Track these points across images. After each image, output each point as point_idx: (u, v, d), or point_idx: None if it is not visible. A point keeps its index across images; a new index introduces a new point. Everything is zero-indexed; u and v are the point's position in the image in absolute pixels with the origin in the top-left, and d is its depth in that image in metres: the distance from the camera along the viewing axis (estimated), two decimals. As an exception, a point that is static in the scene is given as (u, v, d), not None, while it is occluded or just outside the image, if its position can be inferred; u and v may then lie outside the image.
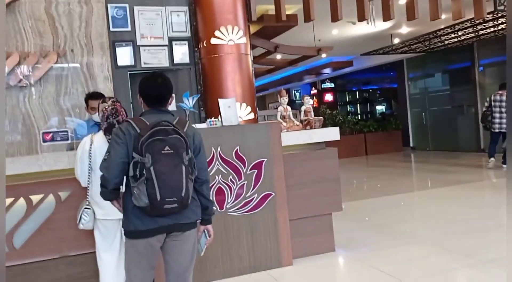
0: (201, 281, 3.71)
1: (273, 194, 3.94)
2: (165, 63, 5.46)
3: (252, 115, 5.37)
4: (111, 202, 2.46)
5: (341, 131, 4.82)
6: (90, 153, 2.92)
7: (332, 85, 18.83)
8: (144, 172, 2.18)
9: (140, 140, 2.20)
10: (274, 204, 3.96)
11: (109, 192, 2.34)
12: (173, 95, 2.52)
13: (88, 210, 2.96)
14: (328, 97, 18.81)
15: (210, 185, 3.72)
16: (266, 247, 3.95)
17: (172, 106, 4.27)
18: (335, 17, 5.76)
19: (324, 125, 4.74)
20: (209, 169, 3.70)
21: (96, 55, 5.12)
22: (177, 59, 5.51)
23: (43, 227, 3.43)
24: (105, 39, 5.16)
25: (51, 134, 3.59)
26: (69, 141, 3.70)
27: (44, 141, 3.58)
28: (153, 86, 2.43)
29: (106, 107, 2.94)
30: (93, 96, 3.86)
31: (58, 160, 3.42)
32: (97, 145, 2.92)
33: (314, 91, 19.13)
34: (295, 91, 20.94)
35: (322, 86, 18.82)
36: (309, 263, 4.09)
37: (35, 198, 3.41)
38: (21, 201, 3.38)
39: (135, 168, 2.21)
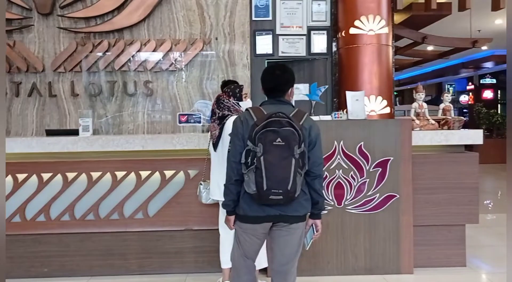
0: (312, 274, 3.69)
1: (397, 196, 3.70)
2: (302, 52, 5.47)
3: (387, 110, 5.09)
4: (227, 214, 2.49)
5: (499, 133, 4.26)
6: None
7: (494, 81, 16.81)
8: (255, 161, 2.23)
9: (254, 129, 2.26)
10: (398, 207, 3.71)
11: (231, 186, 2.41)
12: (294, 87, 2.51)
13: (201, 185, 3.19)
14: (487, 94, 16.87)
15: (330, 179, 3.69)
16: (384, 250, 3.74)
17: (301, 97, 4.30)
18: (496, 6, 5.11)
19: (476, 126, 4.26)
20: (329, 163, 3.66)
21: (237, 43, 5.37)
22: (315, 49, 5.48)
23: (173, 201, 3.77)
24: (246, 28, 5.38)
25: (186, 116, 3.89)
26: (201, 124, 3.97)
27: (180, 122, 3.91)
28: (271, 77, 2.45)
29: (235, 93, 3.09)
30: (227, 84, 4.06)
31: (189, 140, 3.70)
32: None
33: (470, 86, 17.35)
34: (449, 86, 19.23)
35: (481, 82, 16.93)
36: (433, 275, 3.76)
37: (168, 173, 3.76)
38: (157, 174, 3.76)
39: (248, 155, 2.28)
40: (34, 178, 3.77)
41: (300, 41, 5.48)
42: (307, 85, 5.20)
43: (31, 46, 5.27)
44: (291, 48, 5.48)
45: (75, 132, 3.96)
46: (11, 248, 3.76)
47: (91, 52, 5.25)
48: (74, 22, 5.28)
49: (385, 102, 5.06)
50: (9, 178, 3.75)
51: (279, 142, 2.21)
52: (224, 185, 2.44)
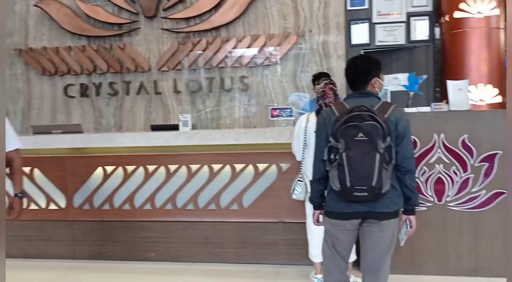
0: (409, 272, 3.52)
1: (507, 193, 3.37)
2: (401, 40, 5.21)
3: (499, 99, 4.65)
4: (314, 209, 2.48)
5: None
6: (306, 131, 3.09)
7: None
8: (337, 157, 2.18)
9: (336, 125, 2.21)
10: (508, 205, 3.38)
11: (314, 183, 2.41)
12: (381, 77, 2.39)
13: (301, 182, 3.17)
14: None
15: (429, 174, 3.48)
16: (492, 251, 3.44)
17: (398, 87, 4.10)
18: None
19: None
20: (428, 157, 3.45)
21: (331, 34, 5.28)
22: (415, 36, 5.18)
23: (266, 193, 3.85)
24: (341, 19, 5.26)
25: (278, 110, 3.93)
26: (293, 118, 3.98)
27: (272, 116, 3.96)
28: (352, 69, 2.37)
29: (318, 89, 3.03)
30: (319, 77, 4.02)
31: (281, 134, 3.74)
32: (311, 124, 3.06)
33: None
34: None
35: None
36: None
37: (261, 166, 3.85)
38: (250, 167, 3.87)
39: (330, 151, 2.24)
40: (141, 169, 4.09)
41: (398, 29, 5.22)
42: (406, 75, 4.94)
43: (139, 48, 5.70)
44: (389, 36, 5.25)
45: (176, 127, 4.22)
46: (122, 233, 4.13)
47: (191, 51, 5.54)
48: (175, 23, 5.61)
49: (496, 90, 4.63)
50: (120, 170, 4.12)
51: (361, 136, 2.13)
52: (310, 181, 2.44)
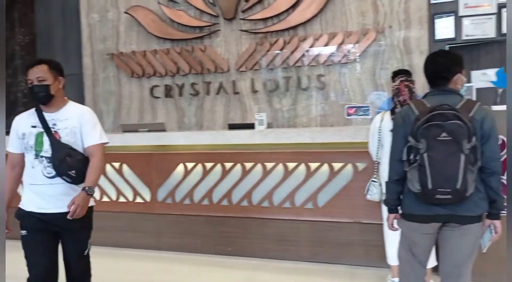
0: (494, 281, 3.30)
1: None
2: (491, 34, 4.87)
3: None
4: (388, 211, 2.41)
5: None
6: (380, 130, 3.02)
7: None
8: (418, 158, 2.11)
9: (416, 124, 2.13)
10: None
11: (391, 184, 2.35)
12: (460, 75, 2.26)
13: (375, 182, 3.10)
14: None
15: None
16: None
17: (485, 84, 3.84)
18: None
19: None
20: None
21: (413, 29, 5.08)
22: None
23: (341, 193, 3.81)
24: (424, 13, 5.04)
25: (354, 109, 3.87)
26: (370, 116, 3.90)
27: (348, 115, 3.91)
28: (432, 65, 2.27)
29: (393, 86, 2.94)
30: (398, 74, 3.89)
31: (357, 133, 3.68)
32: (385, 123, 2.99)
33: None
34: None
35: None
36: None
37: (336, 165, 3.82)
38: (325, 166, 3.85)
39: (409, 152, 2.17)
40: (218, 166, 4.25)
41: (488, 21, 4.88)
42: (495, 70, 4.62)
43: (218, 49, 5.90)
44: (477, 29, 4.92)
45: (252, 126, 4.32)
46: (201, 227, 4.32)
47: (268, 51, 5.62)
48: (253, 24, 5.73)
49: None
50: (199, 166, 4.31)
51: (444, 136, 2.05)
52: (386, 182, 2.37)
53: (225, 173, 4.22)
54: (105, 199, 4.65)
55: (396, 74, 3.44)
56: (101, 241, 4.52)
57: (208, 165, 4.29)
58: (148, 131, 4.62)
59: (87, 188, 2.43)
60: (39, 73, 2.45)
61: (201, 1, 5.88)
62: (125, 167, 4.60)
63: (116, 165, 4.58)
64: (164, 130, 4.87)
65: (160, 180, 4.46)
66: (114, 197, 4.63)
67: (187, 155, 4.40)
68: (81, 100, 6.63)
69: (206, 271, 3.95)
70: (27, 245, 2.49)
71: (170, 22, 6.07)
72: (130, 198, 4.58)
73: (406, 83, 2.96)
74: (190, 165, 4.36)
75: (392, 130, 2.36)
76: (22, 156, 2.53)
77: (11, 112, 7.07)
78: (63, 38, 6.79)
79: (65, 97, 2.62)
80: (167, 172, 4.44)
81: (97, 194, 4.64)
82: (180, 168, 4.39)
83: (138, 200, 4.55)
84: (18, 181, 2.59)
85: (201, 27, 5.93)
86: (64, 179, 2.44)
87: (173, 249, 4.41)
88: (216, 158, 4.26)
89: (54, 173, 2.44)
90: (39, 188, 2.47)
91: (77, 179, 2.46)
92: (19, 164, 2.56)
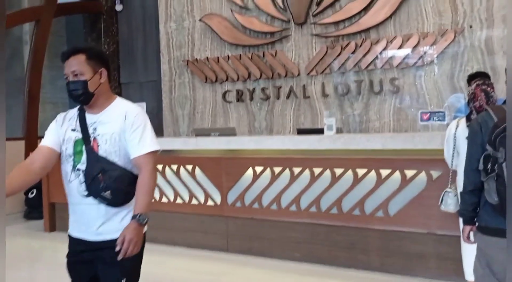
0: None
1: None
2: None
3: None
4: (463, 223, 2.29)
5: None
6: (455, 137, 2.86)
7: None
8: (496, 168, 1.97)
9: (495, 131, 1.99)
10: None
11: (465, 195, 2.23)
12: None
13: (450, 193, 2.93)
14: None
15: None
16: None
17: None
18: None
19: None
20: None
21: (496, 29, 4.75)
22: None
23: (414, 201, 3.65)
24: (509, 10, 4.68)
25: (428, 114, 3.69)
26: (445, 122, 3.70)
27: (422, 120, 3.74)
28: None
29: (468, 91, 2.76)
30: (474, 77, 3.65)
31: (432, 139, 3.51)
32: (461, 129, 2.82)
33: None
34: None
35: None
36: None
37: (409, 173, 3.67)
38: (397, 173, 3.71)
39: (486, 161, 2.03)
40: (287, 171, 4.26)
41: None
42: None
43: (289, 54, 5.93)
44: None
45: (321, 131, 4.28)
46: (270, 231, 4.36)
47: (339, 54, 5.54)
48: (324, 27, 5.68)
49: None
50: (268, 171, 4.35)
51: None
52: (460, 193, 2.24)
53: (293, 178, 4.22)
54: (178, 200, 4.84)
55: (472, 77, 3.21)
56: (173, 240, 4.76)
57: (277, 170, 4.31)
58: (219, 135, 4.75)
59: (138, 216, 1.90)
60: (74, 66, 1.96)
61: (273, 7, 5.94)
62: (197, 170, 4.76)
63: (189, 167, 4.76)
64: (234, 134, 4.98)
65: (230, 183, 4.56)
66: (186, 199, 4.80)
67: (256, 159, 4.46)
68: (159, 105, 6.99)
69: (273, 276, 3.97)
70: (68, 272, 2.09)
71: (242, 28, 6.20)
72: (202, 200, 4.73)
73: (483, 87, 2.77)
74: (259, 169, 4.41)
75: (468, 138, 2.23)
76: (50, 153, 2.02)
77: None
78: (143, 46, 7.19)
79: (112, 94, 2.11)
80: (237, 175, 4.53)
81: (171, 196, 4.86)
82: (250, 172, 4.46)
83: (209, 202, 4.69)
84: (28, 178, 1.98)
85: (272, 33, 5.99)
86: (99, 201, 1.96)
87: (241, 252, 4.49)
88: (285, 163, 4.27)
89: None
90: (76, 208, 2.03)
91: (116, 200, 1.96)
92: (40, 161, 2.00)
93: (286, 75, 5.94)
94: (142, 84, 7.21)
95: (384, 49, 5.28)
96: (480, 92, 2.76)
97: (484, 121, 2.10)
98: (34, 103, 6.83)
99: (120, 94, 7.37)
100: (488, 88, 2.77)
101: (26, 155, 6.26)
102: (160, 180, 4.79)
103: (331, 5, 5.60)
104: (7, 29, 6.79)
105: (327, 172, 4.04)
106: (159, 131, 7.00)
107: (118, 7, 7.35)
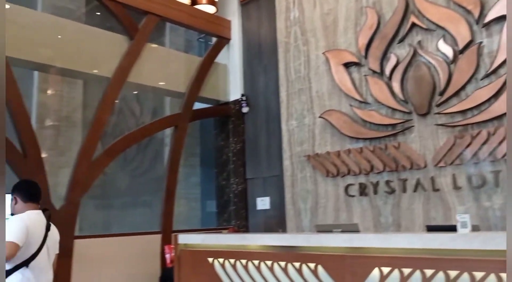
0: None
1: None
2: None
3: None
4: None
5: None
6: None
7: None
8: None
9: None
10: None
11: None
12: None
13: None
14: None
15: None
16: None
17: None
18: None
19: None
20: None
21: None
22: None
23: None
24: None
25: None
26: None
27: None
28: None
29: None
30: None
31: None
32: None
33: None
34: None
35: None
36: None
37: None
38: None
39: None
40: (417, 273, 3.88)
41: None
42: None
43: (413, 145, 5.72)
44: None
45: (454, 228, 3.90)
46: None
47: (470, 144, 5.18)
48: (450, 117, 5.43)
49: None
50: (396, 272, 4.01)
51: None
52: None
53: (425, 280, 3.82)
54: (300, 300, 4.66)
55: None
56: None
57: (406, 271, 3.96)
58: (342, 232, 4.61)
59: None
60: None
61: (393, 100, 5.92)
62: (320, 268, 4.59)
63: (312, 265, 4.62)
64: (357, 231, 4.78)
65: (355, 284, 4.28)
66: (309, 299, 4.60)
67: (382, 258, 4.16)
68: (281, 199, 7.13)
69: None
70: None
71: (362, 122, 6.23)
72: (325, 302, 4.48)
73: None
74: (385, 270, 4.10)
75: None
76: None
77: (224, 211, 8.02)
78: (267, 143, 7.60)
79: None
80: (362, 276, 4.25)
81: (293, 295, 4.70)
82: (376, 273, 4.16)
83: (333, 304, 4.42)
84: None
85: (393, 125, 5.90)
86: None
87: None
88: (414, 263, 3.91)
89: None
90: None
91: None
92: None
93: (411, 167, 5.68)
94: (266, 179, 7.49)
95: (523, 135, 4.81)
96: None
97: None
98: (171, 199, 7.45)
99: (245, 189, 7.73)
100: None
101: (162, 247, 6.73)
102: (281, 275, 4.70)
103: (456, 93, 5.39)
104: (152, 134, 7.78)
105: (465, 275, 3.59)
106: (282, 225, 7.05)
107: (245, 109, 8.01)
